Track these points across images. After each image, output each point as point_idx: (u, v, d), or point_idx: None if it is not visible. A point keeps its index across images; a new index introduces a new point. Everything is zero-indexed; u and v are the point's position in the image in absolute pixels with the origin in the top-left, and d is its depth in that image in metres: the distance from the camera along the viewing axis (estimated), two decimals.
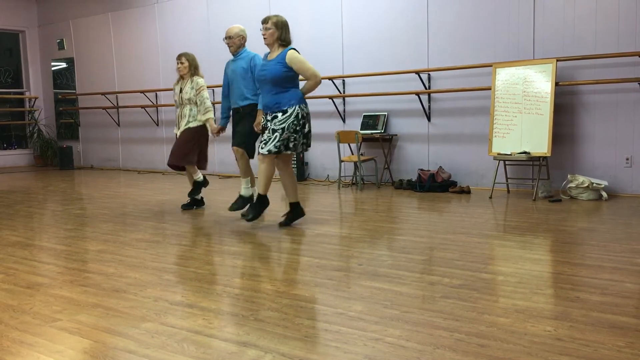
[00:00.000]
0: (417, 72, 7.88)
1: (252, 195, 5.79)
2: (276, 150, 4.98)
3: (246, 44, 5.87)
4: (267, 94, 5.07)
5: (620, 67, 6.60)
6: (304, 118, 5.07)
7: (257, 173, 5.18)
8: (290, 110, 4.99)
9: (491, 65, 7.22)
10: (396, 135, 8.32)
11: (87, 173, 11.63)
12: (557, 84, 6.75)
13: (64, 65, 13.12)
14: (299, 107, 5.03)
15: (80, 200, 7.66)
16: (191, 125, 6.24)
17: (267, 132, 5.05)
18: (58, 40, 13.12)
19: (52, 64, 13.35)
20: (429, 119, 8.04)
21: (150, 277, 3.73)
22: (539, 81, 6.79)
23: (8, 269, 4.03)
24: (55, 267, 4.10)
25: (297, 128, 5.02)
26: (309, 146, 5.24)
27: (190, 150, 6.29)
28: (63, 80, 13.19)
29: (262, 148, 5.03)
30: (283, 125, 4.97)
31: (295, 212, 5.37)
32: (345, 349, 2.50)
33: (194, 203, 6.54)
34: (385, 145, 8.33)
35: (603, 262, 3.81)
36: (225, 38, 5.76)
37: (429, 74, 7.96)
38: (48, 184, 9.66)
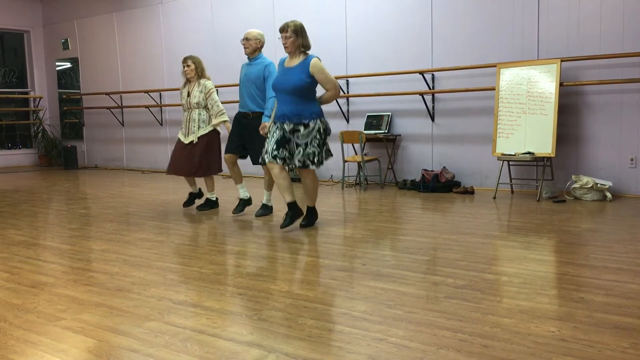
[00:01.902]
0: (421, 73, 7.87)
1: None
2: (300, 164, 4.91)
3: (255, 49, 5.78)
4: (287, 103, 4.93)
5: (624, 68, 6.58)
6: (325, 132, 4.98)
7: (275, 186, 5.12)
8: (312, 124, 4.89)
9: (495, 66, 7.21)
10: (400, 135, 8.31)
11: (91, 173, 11.66)
12: (561, 84, 6.74)
13: (68, 65, 13.15)
14: (320, 120, 4.94)
15: (85, 200, 7.68)
16: (202, 132, 6.09)
17: (291, 144, 4.95)
18: (62, 40, 13.15)
19: (57, 63, 13.39)
20: (432, 119, 8.03)
21: (154, 277, 3.73)
22: (543, 81, 6.78)
23: (12, 268, 4.05)
24: (59, 266, 4.11)
25: (320, 142, 4.93)
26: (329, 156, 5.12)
27: (211, 160, 6.17)
28: (67, 80, 13.23)
29: (288, 162, 4.98)
30: (306, 140, 4.89)
31: (306, 213, 5.27)
32: (348, 349, 2.50)
33: (210, 204, 6.43)
34: (389, 145, 8.32)
35: (607, 263, 3.81)
36: (243, 39, 5.72)
37: (432, 74, 7.95)
38: (52, 184, 9.69)
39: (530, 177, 7.25)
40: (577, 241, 4.55)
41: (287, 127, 4.92)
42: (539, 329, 2.66)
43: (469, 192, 7.34)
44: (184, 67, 6.18)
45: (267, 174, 5.73)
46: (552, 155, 6.62)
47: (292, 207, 5.08)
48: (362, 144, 7.86)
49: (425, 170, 7.80)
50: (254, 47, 5.70)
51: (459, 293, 3.23)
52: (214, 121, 6.09)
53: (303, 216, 5.22)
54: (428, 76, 7.95)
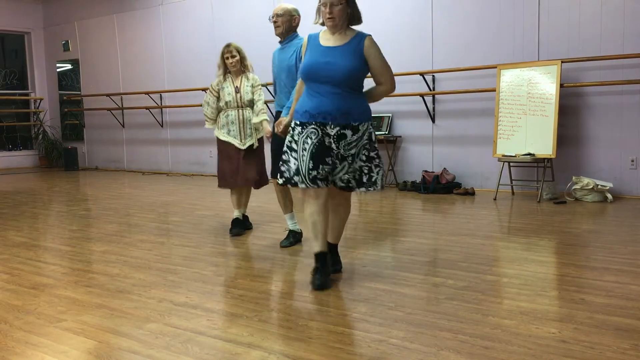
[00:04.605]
0: (422, 74, 7.87)
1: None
2: (343, 185, 3.47)
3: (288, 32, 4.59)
4: (329, 96, 3.43)
5: (625, 69, 6.58)
6: (375, 139, 3.56)
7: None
8: (362, 128, 3.46)
9: (496, 67, 7.21)
10: (400, 136, 8.31)
11: (92, 174, 11.66)
12: (562, 85, 6.74)
13: (69, 66, 13.16)
14: (370, 124, 3.56)
15: (85, 201, 7.68)
16: (259, 135, 5.13)
17: (332, 155, 3.44)
18: (63, 42, 13.16)
19: (57, 65, 13.39)
20: (433, 120, 8.03)
21: (154, 278, 3.73)
22: (544, 83, 6.78)
23: (13, 270, 4.05)
24: (59, 267, 4.11)
25: (374, 154, 3.50)
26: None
27: (263, 169, 5.18)
28: (68, 81, 13.23)
29: (335, 181, 3.47)
30: (354, 151, 3.43)
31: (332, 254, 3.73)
32: (348, 350, 2.50)
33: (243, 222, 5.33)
34: (389, 146, 8.32)
35: (608, 264, 3.80)
36: (272, 16, 4.54)
37: (433, 76, 7.95)
38: (53, 185, 9.69)
39: (531, 178, 7.24)
40: (577, 242, 4.55)
41: (331, 130, 3.41)
42: (540, 331, 2.66)
43: (470, 193, 7.34)
44: (226, 57, 5.04)
45: (281, 192, 4.63)
46: (553, 156, 6.62)
47: (324, 259, 3.52)
48: None
49: (426, 171, 7.80)
50: (287, 27, 4.51)
51: (459, 294, 3.23)
52: (255, 119, 5.06)
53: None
54: (428, 77, 7.95)
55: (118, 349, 2.59)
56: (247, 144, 5.08)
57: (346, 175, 3.44)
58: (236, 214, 5.22)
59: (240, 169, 5.06)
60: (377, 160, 3.49)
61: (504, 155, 6.88)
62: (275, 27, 4.53)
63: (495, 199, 6.83)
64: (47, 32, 13.55)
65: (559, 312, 2.91)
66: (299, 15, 4.60)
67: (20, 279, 3.79)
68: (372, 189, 3.45)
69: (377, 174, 3.47)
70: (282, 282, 3.59)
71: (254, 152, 5.11)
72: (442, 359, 2.39)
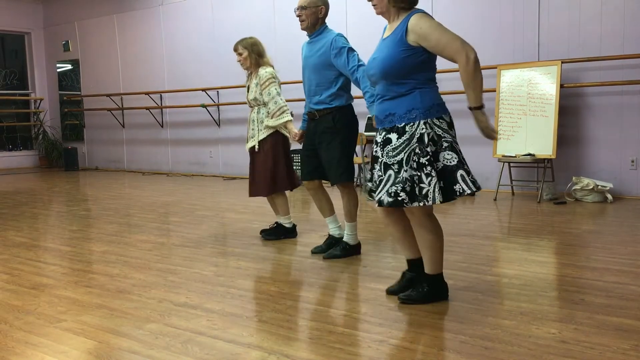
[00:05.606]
0: None
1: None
2: (391, 200, 2.88)
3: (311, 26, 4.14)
4: (378, 96, 3.08)
5: (625, 69, 6.58)
6: (438, 141, 2.93)
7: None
8: (409, 129, 2.91)
9: (496, 67, 7.21)
10: None
11: (92, 174, 11.66)
12: (562, 86, 6.74)
13: (69, 66, 13.16)
14: (427, 123, 2.92)
15: (85, 202, 7.68)
16: (263, 136, 4.71)
17: (377, 166, 3.03)
18: (63, 42, 13.16)
19: (58, 65, 13.39)
20: None
21: (154, 278, 3.73)
22: (544, 83, 6.78)
23: (13, 270, 4.05)
24: (60, 268, 4.11)
25: (425, 160, 2.87)
26: (471, 190, 3.05)
27: (275, 173, 4.74)
28: (68, 81, 13.23)
29: (374, 194, 3.03)
30: (400, 157, 2.90)
31: (435, 288, 3.11)
32: (349, 350, 2.50)
33: (283, 232, 4.92)
34: None
35: (608, 265, 3.80)
36: (297, 9, 4.07)
37: None
38: (53, 185, 9.69)
39: (531, 178, 7.24)
40: (577, 243, 4.55)
41: (379, 136, 3.04)
42: (540, 331, 2.66)
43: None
44: (237, 57, 4.77)
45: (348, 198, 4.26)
46: (553, 156, 6.62)
47: (411, 267, 3.23)
48: (363, 146, 7.86)
49: None
50: (313, 19, 4.05)
51: (459, 295, 3.23)
52: (270, 122, 4.65)
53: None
54: None
55: (118, 349, 2.59)
56: (249, 146, 4.81)
57: (394, 187, 2.86)
58: (277, 219, 4.96)
59: (250, 175, 4.86)
60: (429, 168, 2.85)
61: (504, 156, 6.88)
62: (300, 22, 4.09)
63: (495, 200, 6.83)
64: (47, 32, 13.55)
65: (559, 313, 2.91)
66: (325, 5, 4.08)
67: (20, 279, 3.79)
68: (422, 203, 2.86)
69: (430, 184, 2.85)
70: (282, 282, 3.59)
71: (263, 157, 4.73)
72: (442, 359, 2.39)
